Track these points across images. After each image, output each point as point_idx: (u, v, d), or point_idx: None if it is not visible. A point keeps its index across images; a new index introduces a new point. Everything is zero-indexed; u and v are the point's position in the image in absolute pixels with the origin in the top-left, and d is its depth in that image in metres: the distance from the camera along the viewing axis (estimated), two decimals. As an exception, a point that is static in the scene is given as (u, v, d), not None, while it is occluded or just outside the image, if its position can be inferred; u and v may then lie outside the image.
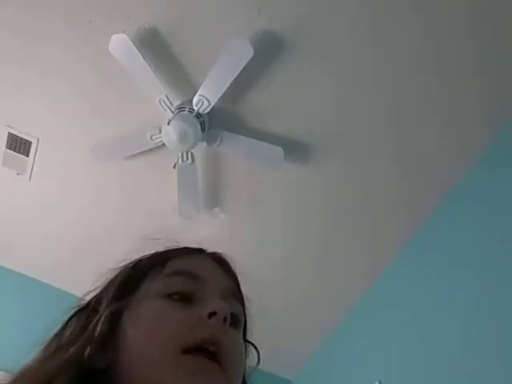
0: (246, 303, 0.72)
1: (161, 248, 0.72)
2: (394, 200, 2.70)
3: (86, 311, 0.66)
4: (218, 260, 0.72)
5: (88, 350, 0.59)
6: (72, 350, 0.59)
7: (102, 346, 0.59)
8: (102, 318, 0.62)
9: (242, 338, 0.67)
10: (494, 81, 2.23)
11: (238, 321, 0.67)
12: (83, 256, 3.17)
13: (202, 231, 2.85)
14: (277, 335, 3.08)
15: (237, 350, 0.62)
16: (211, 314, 0.59)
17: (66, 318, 0.66)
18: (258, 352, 0.72)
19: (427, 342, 2.45)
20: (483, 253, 2.26)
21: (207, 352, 0.57)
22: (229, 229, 2.94)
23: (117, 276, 0.69)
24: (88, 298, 0.69)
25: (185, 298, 0.62)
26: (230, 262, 0.73)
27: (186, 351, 0.57)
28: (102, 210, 2.98)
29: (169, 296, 0.63)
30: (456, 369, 2.21)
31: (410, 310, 2.68)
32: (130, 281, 0.67)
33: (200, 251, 0.73)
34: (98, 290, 0.69)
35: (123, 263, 0.71)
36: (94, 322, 0.62)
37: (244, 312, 0.70)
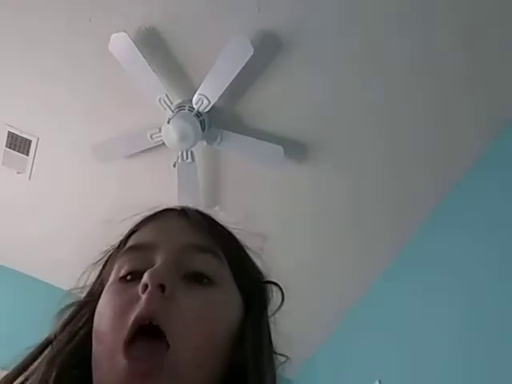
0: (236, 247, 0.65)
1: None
2: (394, 200, 2.69)
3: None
4: (182, 215, 0.64)
5: (69, 346, 0.56)
6: (55, 345, 0.57)
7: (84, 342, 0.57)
8: (82, 317, 0.59)
9: (213, 295, 0.56)
10: (493, 82, 2.23)
11: (206, 276, 0.57)
12: (82, 255, 3.16)
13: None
14: (277, 335, 3.07)
15: (192, 312, 0.53)
16: (144, 287, 0.52)
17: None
18: (282, 291, 0.66)
19: (427, 342, 2.45)
20: (488, 252, 2.25)
21: (152, 330, 0.50)
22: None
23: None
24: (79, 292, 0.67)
25: (137, 277, 0.55)
26: (200, 214, 0.65)
27: (130, 340, 0.50)
28: (101, 209, 2.97)
29: (122, 278, 0.57)
30: (456, 369, 2.21)
31: (410, 310, 2.68)
32: (100, 273, 0.63)
33: (163, 212, 0.65)
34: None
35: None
36: (78, 320, 0.60)
37: (234, 261, 0.62)
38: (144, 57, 2.21)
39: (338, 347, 3.26)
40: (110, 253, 0.65)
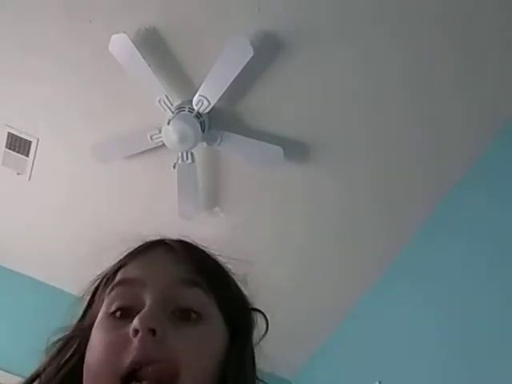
0: (225, 278, 0.67)
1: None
2: (394, 199, 2.69)
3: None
4: (168, 250, 0.65)
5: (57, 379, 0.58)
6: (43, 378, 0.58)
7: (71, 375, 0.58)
8: (70, 350, 0.61)
9: (203, 329, 0.59)
10: (494, 82, 2.24)
11: (194, 311, 0.59)
12: (82, 255, 3.16)
13: (202, 231, 2.84)
14: (277, 335, 3.07)
15: (184, 349, 0.55)
16: (135, 331, 0.54)
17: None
18: (266, 318, 0.68)
19: (427, 342, 2.45)
20: (490, 251, 2.26)
21: (147, 376, 0.53)
22: (229, 228, 2.93)
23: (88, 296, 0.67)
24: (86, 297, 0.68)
25: (126, 314, 0.58)
26: (186, 247, 0.66)
27: (127, 380, 0.53)
28: (101, 209, 2.98)
29: (112, 314, 0.59)
30: (456, 369, 2.21)
31: (410, 310, 2.68)
32: (88, 305, 0.65)
33: (149, 246, 0.66)
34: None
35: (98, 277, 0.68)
36: (68, 352, 0.61)
37: (221, 291, 0.64)
38: (144, 58, 2.21)
39: (338, 348, 3.26)
40: (96, 284, 0.67)
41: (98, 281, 0.67)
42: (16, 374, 2.85)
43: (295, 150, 2.55)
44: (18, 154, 2.75)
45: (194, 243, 0.69)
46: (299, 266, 3.07)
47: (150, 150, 2.55)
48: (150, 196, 2.87)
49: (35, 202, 2.98)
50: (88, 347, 0.58)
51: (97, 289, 0.66)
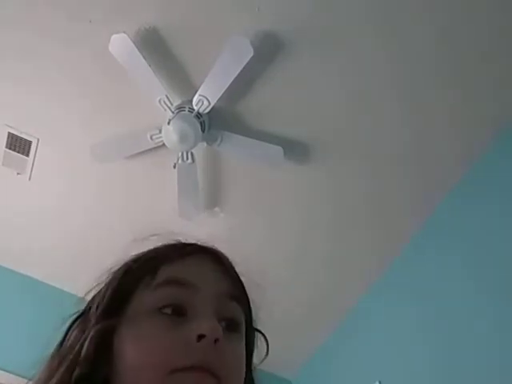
0: (251, 296, 0.69)
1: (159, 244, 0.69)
2: (394, 199, 2.70)
3: (84, 320, 0.64)
4: (216, 260, 0.67)
5: (76, 372, 0.57)
6: (58, 374, 0.58)
7: (94, 364, 0.58)
8: (90, 337, 0.59)
9: (240, 342, 0.63)
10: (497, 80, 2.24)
11: (236, 324, 0.63)
12: (83, 255, 3.16)
13: (202, 231, 2.84)
14: (277, 335, 3.07)
15: (234, 360, 0.60)
16: (200, 337, 0.56)
17: (65, 326, 0.65)
18: (267, 342, 0.70)
19: (427, 342, 2.45)
20: (491, 250, 2.26)
21: (199, 370, 0.56)
22: (229, 229, 2.93)
23: (108, 285, 0.66)
24: (88, 297, 0.67)
25: (177, 312, 0.60)
26: (229, 260, 0.69)
27: (177, 370, 0.55)
28: (101, 209, 2.98)
29: (160, 310, 0.60)
30: (456, 369, 2.21)
31: (411, 310, 2.68)
32: (121, 293, 0.64)
33: (196, 251, 0.68)
34: (94, 293, 0.67)
35: (116, 267, 0.68)
36: (82, 339, 0.60)
37: (247, 308, 0.67)
38: (144, 58, 2.21)
39: (338, 348, 3.26)
40: (124, 270, 0.66)
41: (137, 273, 0.65)
42: (16, 374, 2.85)
43: (295, 149, 2.55)
44: (18, 154, 2.74)
45: (224, 256, 0.71)
46: (299, 266, 3.07)
47: (150, 149, 2.55)
48: (150, 196, 2.87)
49: (35, 202, 2.98)
50: (132, 339, 0.59)
51: (137, 281, 0.64)
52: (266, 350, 0.70)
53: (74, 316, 0.66)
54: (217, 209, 2.88)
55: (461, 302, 2.32)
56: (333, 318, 3.25)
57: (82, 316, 0.65)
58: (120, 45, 2.20)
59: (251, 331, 0.69)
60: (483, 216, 2.36)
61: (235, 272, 0.68)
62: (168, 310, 0.60)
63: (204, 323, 0.57)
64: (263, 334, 0.71)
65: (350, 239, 2.91)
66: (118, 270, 0.67)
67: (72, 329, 0.64)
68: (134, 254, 0.69)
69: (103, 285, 0.67)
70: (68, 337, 0.63)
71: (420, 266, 2.72)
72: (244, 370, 0.62)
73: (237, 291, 0.66)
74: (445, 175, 2.56)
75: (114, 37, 2.18)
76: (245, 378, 0.63)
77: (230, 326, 0.62)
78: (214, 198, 2.84)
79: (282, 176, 2.67)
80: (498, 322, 2.07)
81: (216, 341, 0.56)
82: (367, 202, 2.74)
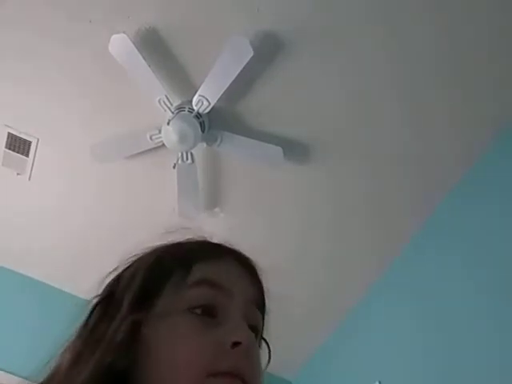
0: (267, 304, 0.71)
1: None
2: (394, 199, 2.69)
3: (109, 304, 0.63)
4: (247, 266, 0.69)
5: (109, 359, 0.57)
6: (93, 360, 0.57)
7: (122, 353, 0.58)
8: (123, 327, 0.59)
9: (259, 349, 0.65)
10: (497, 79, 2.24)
11: (258, 331, 0.65)
12: (83, 255, 3.17)
13: (202, 231, 2.84)
14: (277, 335, 3.07)
15: (258, 367, 0.61)
16: (235, 344, 0.57)
17: (89, 307, 0.64)
18: (269, 350, 0.71)
19: (427, 342, 2.45)
20: (491, 250, 2.26)
21: (231, 376, 0.57)
22: (229, 229, 2.93)
23: (135, 272, 0.65)
24: (108, 280, 0.66)
25: (208, 313, 0.60)
26: (256, 267, 0.70)
27: (211, 375, 0.56)
28: (101, 209, 2.98)
29: (191, 310, 0.60)
30: (456, 369, 2.21)
31: (411, 310, 2.68)
32: (152, 283, 0.63)
33: (229, 253, 0.69)
34: (119, 272, 0.67)
35: (141, 253, 0.68)
36: (113, 327, 0.59)
37: (263, 317, 0.69)
38: (144, 58, 2.21)
39: (338, 348, 3.26)
40: (155, 259, 0.66)
41: (170, 265, 0.65)
42: (16, 375, 2.85)
43: (295, 150, 2.55)
44: (18, 155, 2.74)
45: (254, 263, 0.72)
46: (299, 266, 3.07)
47: (150, 150, 2.55)
48: (149, 196, 2.87)
49: (35, 202, 2.98)
50: (164, 335, 0.59)
51: (170, 273, 0.64)
52: (268, 357, 0.70)
53: (96, 299, 0.65)
54: (217, 209, 2.88)
55: (461, 302, 2.32)
56: (333, 318, 3.25)
57: (106, 300, 0.64)
58: (120, 45, 2.20)
59: (260, 339, 0.70)
60: (483, 216, 2.36)
61: (260, 279, 0.70)
62: (198, 311, 0.60)
63: (239, 331, 0.59)
64: (266, 342, 0.71)
65: (350, 239, 2.91)
66: (147, 257, 0.67)
67: (97, 312, 0.63)
68: (162, 243, 0.68)
69: (127, 269, 0.66)
70: (94, 321, 0.63)
71: (420, 265, 2.71)
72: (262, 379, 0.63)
73: (261, 299, 0.68)
74: (445, 175, 2.56)
75: (113, 37, 2.18)
76: None
77: (254, 333, 0.63)
78: (213, 199, 2.84)
79: (282, 176, 2.67)
80: (498, 321, 2.07)
81: (248, 348, 0.58)
82: (367, 202, 2.73)
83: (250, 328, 0.62)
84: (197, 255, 0.65)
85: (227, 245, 0.71)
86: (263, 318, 0.69)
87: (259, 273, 0.70)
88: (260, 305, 0.67)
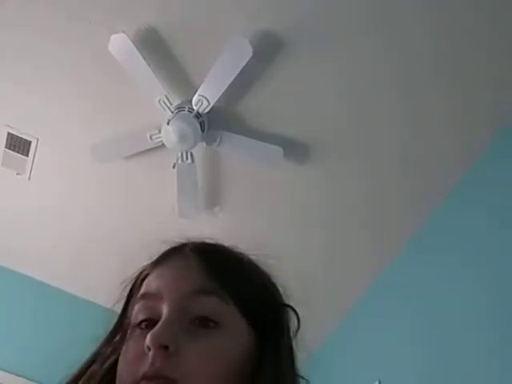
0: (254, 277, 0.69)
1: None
2: (394, 199, 2.69)
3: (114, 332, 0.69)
4: (185, 258, 0.67)
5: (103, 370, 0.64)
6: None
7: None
8: (107, 357, 0.65)
9: (218, 336, 0.60)
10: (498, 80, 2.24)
11: (209, 319, 0.61)
12: (83, 255, 3.17)
13: (202, 231, 2.84)
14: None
15: (198, 357, 0.58)
16: (148, 349, 0.58)
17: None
18: (296, 313, 0.70)
19: (427, 342, 2.45)
20: (491, 250, 2.26)
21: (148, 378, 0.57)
22: (229, 228, 2.93)
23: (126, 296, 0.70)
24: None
25: (153, 324, 0.60)
26: (203, 252, 0.68)
27: (139, 381, 0.57)
28: (101, 209, 2.97)
29: (138, 325, 0.63)
30: (456, 369, 2.21)
31: (410, 310, 2.68)
32: (123, 309, 0.69)
33: (169, 254, 0.69)
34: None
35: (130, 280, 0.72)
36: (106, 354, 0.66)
37: (242, 292, 0.65)
38: (143, 58, 2.21)
39: (338, 348, 3.26)
40: (128, 290, 0.70)
41: (129, 288, 0.70)
42: (15, 374, 2.85)
43: (295, 150, 2.55)
44: (18, 154, 2.74)
45: (214, 245, 0.71)
46: (299, 266, 3.06)
47: (150, 150, 2.55)
48: (149, 196, 2.87)
49: (35, 202, 2.98)
50: (121, 353, 0.63)
51: (130, 296, 0.69)
52: (297, 324, 0.69)
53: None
54: (216, 209, 2.88)
55: (460, 302, 2.32)
56: (332, 317, 3.24)
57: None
58: (119, 45, 2.20)
59: (267, 310, 0.67)
60: (483, 216, 2.36)
61: (211, 264, 0.65)
62: (143, 325, 0.62)
63: (149, 334, 0.57)
64: (290, 306, 0.70)
65: (350, 239, 2.91)
66: (131, 281, 0.71)
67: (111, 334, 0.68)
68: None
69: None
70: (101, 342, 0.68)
71: (420, 265, 2.71)
72: (227, 364, 0.59)
73: (209, 285, 0.63)
74: (445, 175, 2.56)
75: (113, 37, 2.18)
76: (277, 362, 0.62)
77: (203, 322, 0.61)
78: (213, 198, 2.84)
79: (282, 176, 2.67)
80: (498, 321, 2.07)
81: (165, 348, 0.57)
82: (367, 202, 2.73)
83: (198, 319, 0.60)
84: (147, 270, 0.68)
85: (184, 241, 0.70)
86: (247, 293, 0.65)
87: (212, 255, 0.68)
88: (210, 290, 0.62)
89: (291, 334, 0.69)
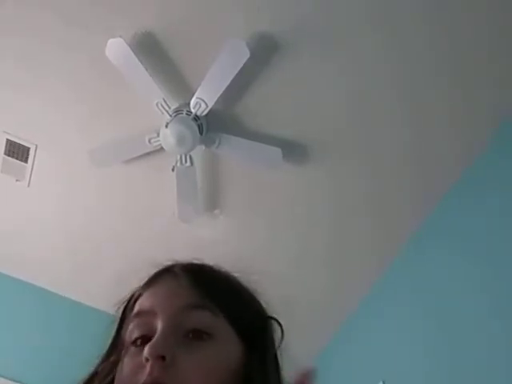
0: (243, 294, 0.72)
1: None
2: (394, 199, 2.69)
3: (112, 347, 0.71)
4: (179, 275, 0.70)
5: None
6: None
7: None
8: (104, 376, 0.67)
9: (210, 348, 0.63)
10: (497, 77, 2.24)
11: (202, 332, 0.64)
12: (83, 260, 3.16)
13: (202, 234, 2.85)
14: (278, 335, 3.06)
15: (192, 369, 0.61)
16: (146, 360, 0.60)
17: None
18: (280, 325, 0.73)
19: (429, 342, 2.45)
20: (491, 249, 2.25)
21: None
22: (229, 231, 2.93)
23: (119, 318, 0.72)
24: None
25: (145, 341, 0.63)
26: (193, 271, 0.71)
27: None
28: (101, 214, 2.96)
29: (133, 343, 0.65)
30: (458, 368, 2.21)
31: (411, 310, 2.68)
32: (117, 330, 0.71)
33: (160, 275, 0.72)
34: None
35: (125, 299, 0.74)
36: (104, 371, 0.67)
37: (232, 307, 0.68)
38: (141, 61, 2.20)
39: (341, 348, 3.25)
40: (121, 311, 0.73)
41: (122, 308, 0.73)
42: (15, 381, 2.85)
43: (294, 151, 2.54)
44: (17, 161, 2.73)
45: (202, 265, 0.74)
46: (299, 267, 3.06)
47: (149, 153, 2.54)
48: (149, 200, 2.86)
49: (35, 208, 2.97)
50: (118, 370, 0.65)
51: (123, 318, 0.71)
52: (280, 336, 0.72)
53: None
54: (216, 211, 2.87)
55: (461, 302, 2.32)
56: (335, 318, 3.24)
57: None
58: (117, 49, 2.19)
59: (254, 323, 0.70)
60: (483, 216, 2.36)
61: (201, 282, 0.69)
62: (138, 342, 0.64)
63: (147, 345, 0.60)
64: (275, 319, 0.73)
65: (350, 239, 2.90)
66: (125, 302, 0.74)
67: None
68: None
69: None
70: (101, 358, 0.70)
71: (420, 265, 2.71)
72: (219, 375, 0.62)
73: (200, 300, 0.66)
74: (445, 175, 2.55)
75: (110, 41, 2.17)
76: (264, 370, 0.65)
77: (197, 335, 0.63)
78: (213, 201, 2.83)
79: (281, 177, 2.66)
80: (499, 321, 2.07)
81: (162, 358, 0.59)
82: (367, 202, 2.73)
83: (192, 332, 0.63)
84: (140, 291, 0.71)
85: (170, 263, 0.73)
86: (237, 308, 0.69)
87: (200, 273, 0.71)
88: (201, 304, 0.66)
89: (276, 345, 0.72)
